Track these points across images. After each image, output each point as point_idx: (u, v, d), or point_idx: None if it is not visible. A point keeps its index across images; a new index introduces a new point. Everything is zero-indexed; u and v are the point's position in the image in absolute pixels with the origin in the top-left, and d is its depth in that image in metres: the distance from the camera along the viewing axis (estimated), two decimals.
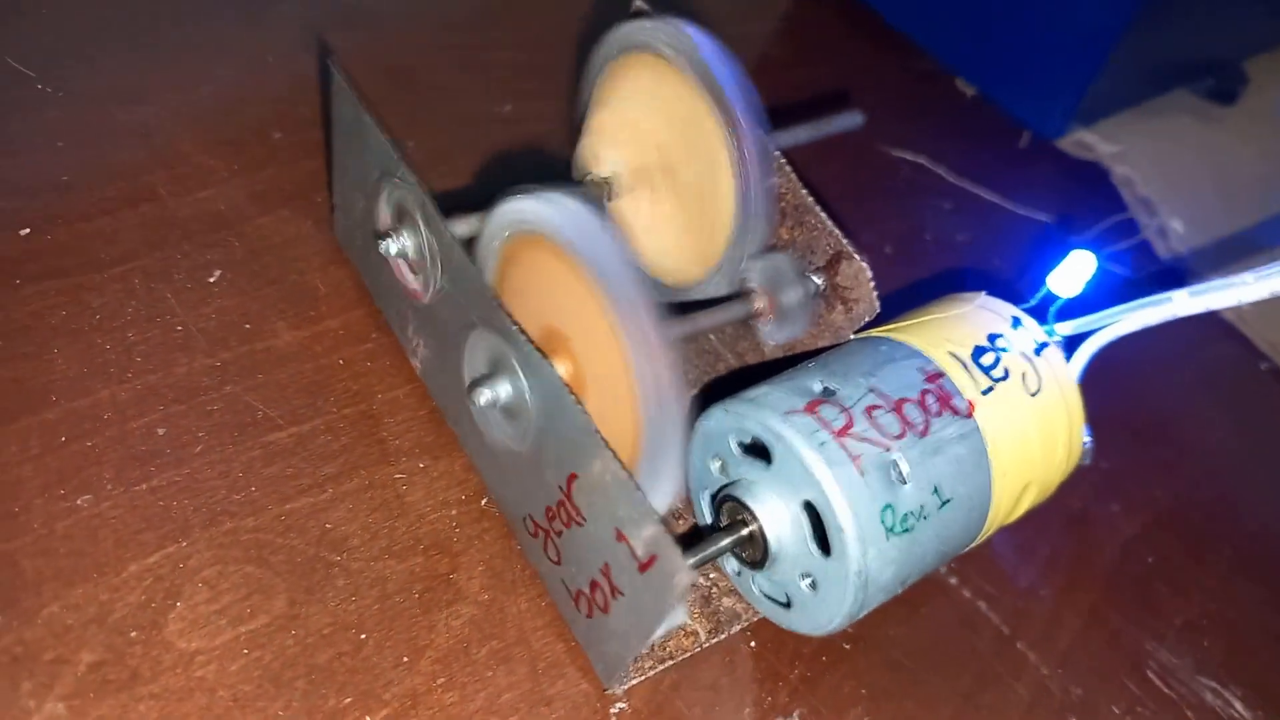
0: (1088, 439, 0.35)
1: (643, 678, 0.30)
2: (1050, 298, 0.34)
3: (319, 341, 0.34)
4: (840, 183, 0.47)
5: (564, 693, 0.29)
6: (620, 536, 0.26)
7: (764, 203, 0.32)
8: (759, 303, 0.32)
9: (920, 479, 0.29)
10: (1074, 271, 0.33)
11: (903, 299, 0.34)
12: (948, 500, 0.29)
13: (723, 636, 0.32)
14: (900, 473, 0.28)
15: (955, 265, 0.46)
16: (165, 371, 0.32)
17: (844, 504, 0.27)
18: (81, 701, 0.26)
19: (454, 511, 0.32)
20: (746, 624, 0.32)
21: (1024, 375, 0.31)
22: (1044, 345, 0.32)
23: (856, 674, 0.32)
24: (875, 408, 0.29)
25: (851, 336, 0.34)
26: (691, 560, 0.28)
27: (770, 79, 0.50)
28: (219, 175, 0.38)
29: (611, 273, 0.26)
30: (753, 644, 0.32)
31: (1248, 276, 0.34)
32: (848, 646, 0.33)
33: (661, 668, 0.30)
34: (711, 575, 0.33)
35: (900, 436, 0.29)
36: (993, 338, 0.32)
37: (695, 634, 0.31)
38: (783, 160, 0.33)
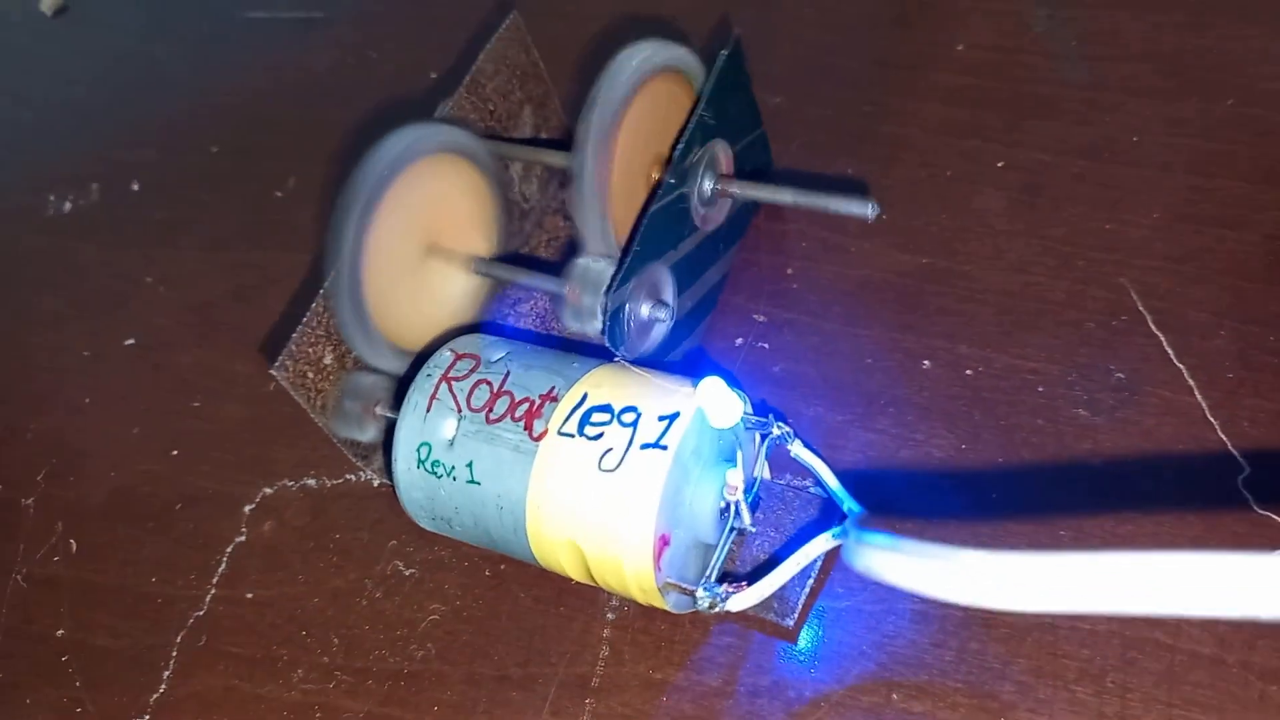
0: (706, 591, 0.32)
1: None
2: None
3: None
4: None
5: None
6: None
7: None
8: (564, 288, 0.37)
9: (462, 449, 0.34)
10: (713, 404, 0.30)
11: None
12: (475, 481, 0.33)
13: None
14: (454, 433, 0.34)
15: None
16: None
17: (403, 419, 0.35)
18: None
19: None
20: None
21: (608, 451, 0.31)
22: (654, 446, 0.31)
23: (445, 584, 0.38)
24: (485, 382, 0.34)
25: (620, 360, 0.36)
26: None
27: None
28: None
29: None
30: None
31: None
32: (487, 571, 0.38)
33: None
34: None
35: (477, 411, 0.34)
36: (627, 409, 0.32)
37: None
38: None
